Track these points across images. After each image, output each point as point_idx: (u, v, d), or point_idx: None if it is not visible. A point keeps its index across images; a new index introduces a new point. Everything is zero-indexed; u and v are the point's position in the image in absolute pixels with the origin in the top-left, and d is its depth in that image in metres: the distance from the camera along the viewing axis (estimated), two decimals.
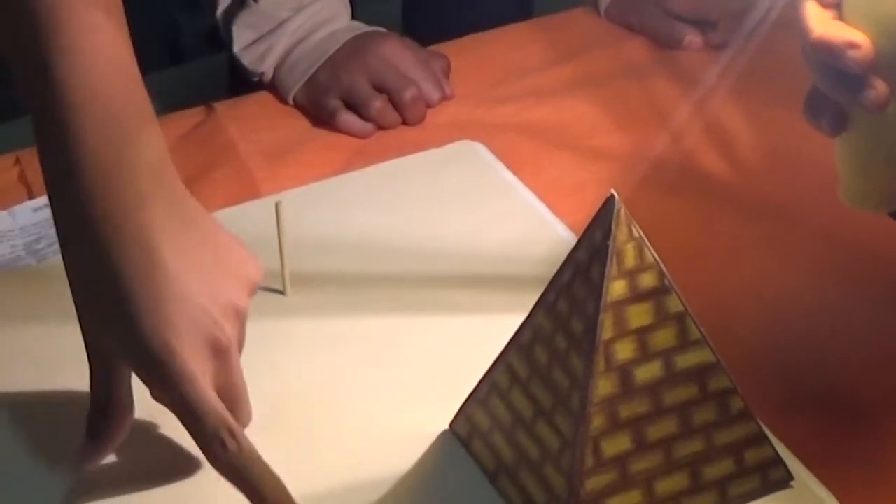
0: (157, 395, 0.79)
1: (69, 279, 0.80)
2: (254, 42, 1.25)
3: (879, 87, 0.73)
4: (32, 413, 0.90)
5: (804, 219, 1.05)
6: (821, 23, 0.75)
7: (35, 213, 1.10)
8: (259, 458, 0.77)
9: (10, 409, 0.90)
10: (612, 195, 0.72)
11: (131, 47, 0.80)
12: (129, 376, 0.81)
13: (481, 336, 0.91)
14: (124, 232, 0.77)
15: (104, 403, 0.82)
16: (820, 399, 0.89)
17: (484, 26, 1.36)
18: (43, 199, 1.11)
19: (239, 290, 0.82)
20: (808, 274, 1.00)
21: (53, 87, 0.76)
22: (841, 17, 0.76)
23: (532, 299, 0.78)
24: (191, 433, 0.78)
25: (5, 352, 0.95)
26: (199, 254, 0.79)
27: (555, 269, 0.77)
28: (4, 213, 1.10)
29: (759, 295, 0.98)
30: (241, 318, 0.82)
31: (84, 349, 0.81)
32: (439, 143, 1.16)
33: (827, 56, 0.74)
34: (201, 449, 0.78)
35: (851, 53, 0.73)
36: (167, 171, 0.79)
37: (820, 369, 0.91)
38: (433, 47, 1.29)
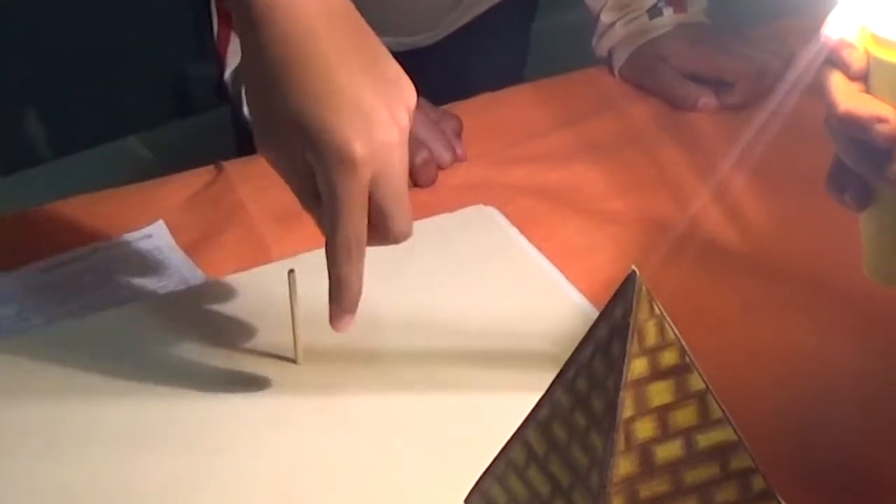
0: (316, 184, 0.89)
1: (250, 104, 0.91)
2: None
3: None
4: (40, 479, 0.89)
5: (821, 284, 1.04)
6: (848, 95, 0.74)
7: (42, 273, 1.09)
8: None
9: (16, 476, 0.89)
10: (634, 272, 0.71)
11: None
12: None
13: (495, 407, 0.91)
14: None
15: (314, 202, 0.91)
16: (837, 472, 0.88)
17: (476, 90, 1.36)
18: (51, 260, 1.10)
19: (404, 111, 0.91)
20: (825, 340, 0.99)
21: None
22: (868, 90, 0.75)
23: (547, 367, 0.77)
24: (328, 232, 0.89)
25: (14, 418, 0.94)
26: (371, 73, 0.90)
27: (570, 338, 0.76)
28: (11, 273, 1.09)
29: (774, 362, 0.97)
30: (405, 136, 0.90)
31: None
32: (451, 205, 1.15)
33: (853, 129, 0.73)
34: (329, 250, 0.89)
35: (879, 127, 0.72)
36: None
37: (837, 442, 0.90)
38: (446, 107, 1.28)
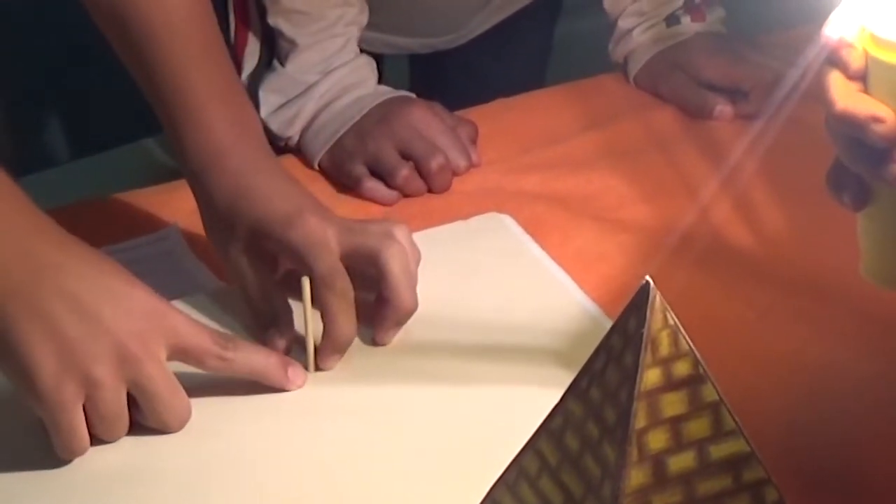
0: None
1: (212, 221, 1.02)
2: (281, 106, 1.25)
3: None
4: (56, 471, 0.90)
5: (836, 293, 1.03)
6: (845, 95, 0.74)
7: None
8: None
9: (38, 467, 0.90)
10: (648, 282, 0.70)
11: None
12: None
13: (506, 414, 0.91)
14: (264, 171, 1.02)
15: (272, 314, 0.99)
16: (849, 483, 0.87)
17: (496, 94, 1.36)
18: None
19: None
20: (839, 349, 0.98)
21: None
22: (866, 90, 0.75)
23: (558, 375, 0.77)
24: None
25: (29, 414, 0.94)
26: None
27: (582, 347, 0.75)
28: None
29: (788, 371, 0.97)
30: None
31: None
32: (465, 211, 1.15)
33: (851, 129, 0.73)
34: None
35: (875, 127, 0.72)
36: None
37: (850, 448, 0.90)
38: (462, 112, 1.28)
